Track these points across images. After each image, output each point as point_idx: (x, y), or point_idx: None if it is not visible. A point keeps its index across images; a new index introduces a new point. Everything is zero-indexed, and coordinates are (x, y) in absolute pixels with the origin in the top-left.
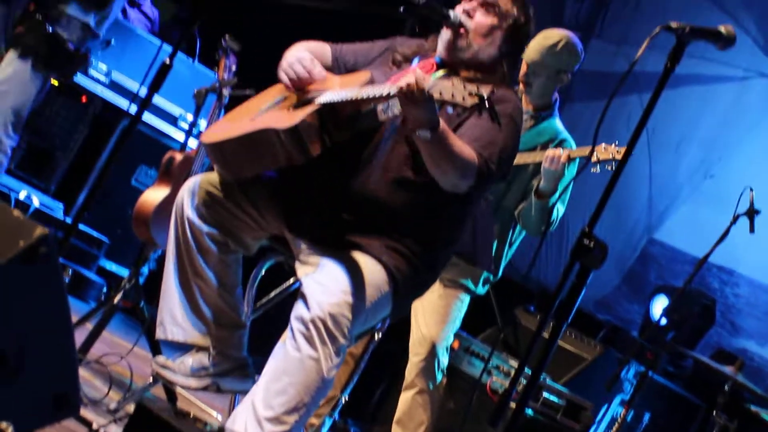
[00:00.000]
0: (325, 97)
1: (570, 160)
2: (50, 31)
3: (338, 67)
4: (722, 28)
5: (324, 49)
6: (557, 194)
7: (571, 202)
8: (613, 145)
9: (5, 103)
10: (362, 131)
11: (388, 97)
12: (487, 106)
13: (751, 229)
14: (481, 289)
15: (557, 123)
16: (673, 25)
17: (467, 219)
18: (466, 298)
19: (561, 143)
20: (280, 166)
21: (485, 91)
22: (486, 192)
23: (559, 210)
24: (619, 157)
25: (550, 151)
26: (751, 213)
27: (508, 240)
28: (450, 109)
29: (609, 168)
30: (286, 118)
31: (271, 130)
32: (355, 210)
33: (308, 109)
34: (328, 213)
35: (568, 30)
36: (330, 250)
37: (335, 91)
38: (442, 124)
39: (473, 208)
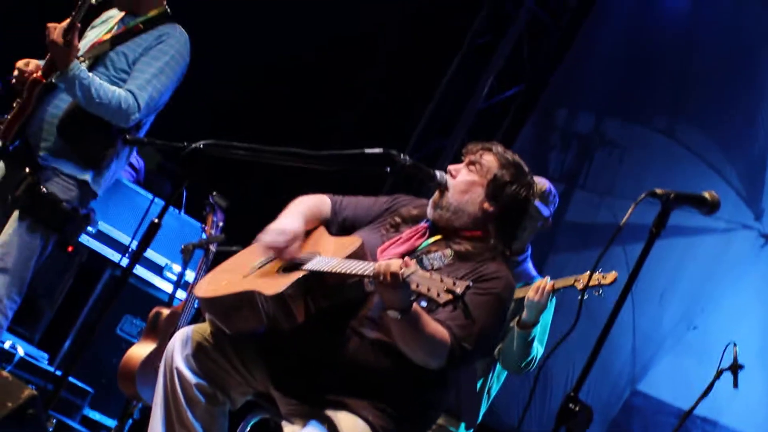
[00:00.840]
0: (312, 265)
1: (555, 290)
2: (45, 191)
3: (338, 222)
4: (707, 195)
5: (323, 204)
6: (537, 328)
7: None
8: (598, 272)
9: (6, 265)
10: (350, 300)
11: (368, 277)
12: (461, 304)
13: (735, 385)
14: None
15: (530, 267)
16: (658, 191)
17: (453, 383)
18: None
19: None
20: (265, 327)
21: (461, 287)
22: (469, 365)
23: (539, 350)
24: (605, 282)
25: (537, 283)
26: (735, 368)
27: (487, 386)
28: (423, 302)
29: (597, 294)
30: (273, 282)
31: (257, 294)
32: (342, 372)
33: (295, 276)
34: (315, 374)
35: (555, 183)
36: (316, 409)
37: (323, 259)
38: (415, 306)
39: (457, 375)
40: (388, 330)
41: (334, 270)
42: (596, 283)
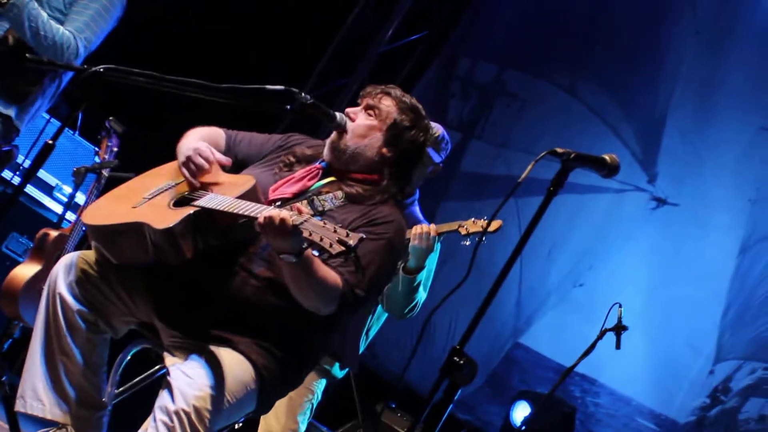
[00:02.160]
0: (203, 202)
1: (438, 234)
2: None
3: (231, 156)
4: (607, 157)
5: (218, 136)
6: (423, 273)
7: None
8: (483, 219)
9: None
10: (239, 239)
11: (257, 220)
12: (353, 255)
13: (617, 346)
14: (339, 372)
15: (417, 211)
16: (559, 150)
17: (340, 328)
18: (321, 384)
19: None
20: (152, 260)
21: (355, 239)
22: (360, 311)
23: (422, 294)
24: (490, 230)
25: (417, 228)
26: (619, 329)
27: (366, 326)
28: (315, 252)
29: (480, 240)
30: (164, 215)
31: (146, 226)
32: (228, 308)
33: (185, 212)
34: (201, 308)
35: (452, 131)
36: (200, 344)
37: (215, 196)
38: (308, 251)
39: (348, 318)
40: (278, 268)
41: (225, 209)
42: (479, 229)
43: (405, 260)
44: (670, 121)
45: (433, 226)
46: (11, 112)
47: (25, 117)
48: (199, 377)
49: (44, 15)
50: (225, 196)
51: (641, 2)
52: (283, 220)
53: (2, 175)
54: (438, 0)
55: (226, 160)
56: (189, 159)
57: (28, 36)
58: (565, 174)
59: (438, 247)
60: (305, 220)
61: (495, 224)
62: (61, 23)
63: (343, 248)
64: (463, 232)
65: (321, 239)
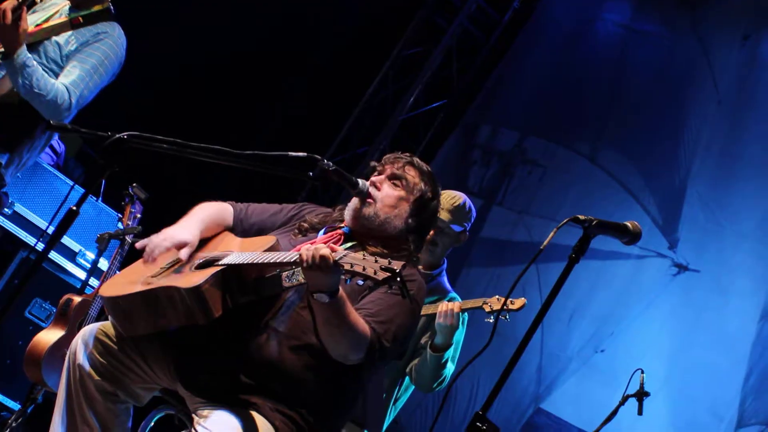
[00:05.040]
0: (230, 259)
1: (462, 311)
2: None
3: (241, 229)
4: (629, 224)
5: (225, 212)
6: (451, 351)
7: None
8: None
9: None
10: (265, 296)
11: (294, 264)
12: (399, 281)
13: (640, 412)
14: None
15: (446, 281)
16: (581, 217)
17: (362, 389)
18: None
19: (451, 301)
20: (180, 325)
21: (398, 265)
22: (382, 365)
23: (450, 368)
24: (513, 308)
25: (443, 306)
26: (641, 395)
27: (394, 397)
28: (360, 281)
29: (503, 318)
30: (189, 278)
31: (173, 289)
32: (252, 373)
33: (212, 270)
34: (225, 374)
35: (474, 198)
36: (224, 406)
37: (239, 254)
38: (341, 292)
39: (368, 379)
40: (302, 326)
41: (255, 261)
42: (505, 308)
43: (431, 337)
44: (690, 189)
45: (457, 303)
46: (2, 159)
47: (10, 168)
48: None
49: (39, 71)
50: (250, 252)
51: (662, 72)
52: (324, 257)
53: (26, 241)
54: (459, 68)
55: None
56: (162, 246)
57: (23, 92)
58: (587, 241)
59: (465, 318)
60: (345, 255)
61: (519, 302)
62: (57, 75)
63: (388, 274)
64: (487, 309)
65: (364, 269)
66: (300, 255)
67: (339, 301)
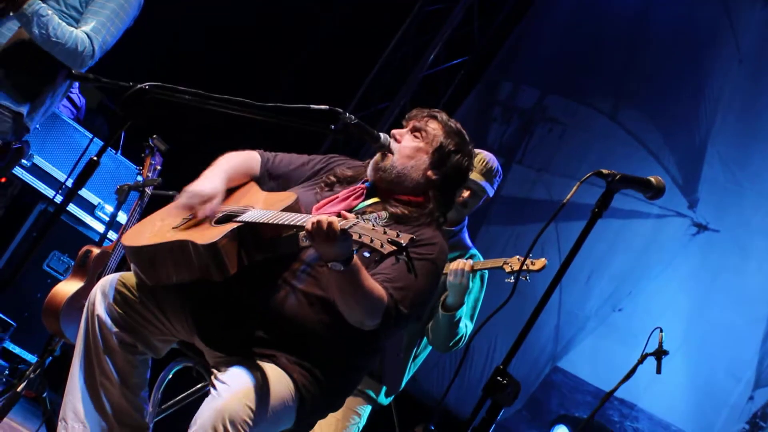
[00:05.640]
0: (247, 216)
1: (474, 271)
2: None
3: (267, 179)
4: (653, 179)
5: (253, 161)
6: (464, 308)
7: (478, 326)
8: (529, 258)
9: None
10: (283, 254)
11: (304, 228)
12: (405, 255)
13: (658, 371)
14: (384, 400)
15: (467, 237)
16: (605, 171)
17: (381, 348)
18: (367, 409)
19: (471, 258)
20: (196, 278)
21: (405, 239)
22: (400, 329)
23: (468, 326)
24: (534, 268)
25: (454, 264)
26: (659, 354)
27: (413, 355)
28: (366, 253)
29: (524, 278)
30: (207, 233)
31: (190, 243)
32: (271, 328)
33: (229, 227)
34: (243, 327)
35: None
36: (243, 359)
37: (258, 211)
38: (356, 259)
39: (388, 338)
40: (322, 283)
41: (269, 221)
42: (525, 268)
43: (444, 297)
44: (710, 148)
45: (468, 262)
46: (23, 110)
47: (35, 116)
48: (238, 388)
49: (55, 19)
50: (268, 210)
51: (684, 30)
52: (330, 224)
53: (45, 193)
54: (480, 25)
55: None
56: (188, 198)
57: (39, 41)
58: (610, 195)
59: (486, 276)
60: (354, 224)
61: (539, 263)
62: (77, 21)
63: (394, 248)
64: (507, 269)
65: (371, 240)
66: (305, 227)
67: (353, 268)
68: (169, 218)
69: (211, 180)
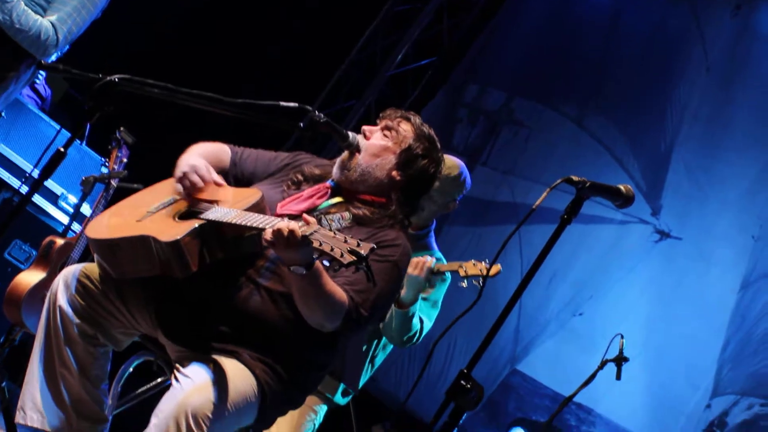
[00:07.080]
0: (210, 214)
1: (437, 272)
2: None
3: (234, 173)
4: (622, 187)
5: (223, 152)
6: (424, 304)
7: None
8: (484, 262)
9: None
10: (246, 253)
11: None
12: (365, 266)
13: (618, 377)
14: (341, 400)
15: (433, 242)
16: (575, 178)
17: (343, 346)
18: (323, 409)
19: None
20: (158, 273)
21: (366, 248)
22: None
23: (426, 324)
24: (490, 274)
25: (416, 258)
26: (620, 360)
27: (370, 354)
28: (326, 262)
29: (476, 283)
30: (169, 228)
31: (152, 239)
32: (234, 324)
33: (192, 224)
34: (206, 323)
35: (458, 157)
36: (205, 355)
37: (222, 209)
38: (317, 263)
39: (347, 338)
40: (286, 281)
41: (232, 221)
42: (479, 272)
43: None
44: (676, 156)
45: (431, 259)
46: None
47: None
48: (200, 383)
49: (20, 6)
50: (232, 209)
51: (653, 38)
52: (292, 231)
53: (9, 182)
54: (448, 26)
55: (222, 181)
56: (185, 175)
57: (5, 27)
58: (579, 202)
59: (448, 277)
60: (315, 231)
61: (494, 269)
62: (45, 10)
63: (354, 258)
64: (462, 273)
65: (332, 249)
66: (264, 234)
67: (315, 272)
68: (136, 209)
69: (194, 158)
